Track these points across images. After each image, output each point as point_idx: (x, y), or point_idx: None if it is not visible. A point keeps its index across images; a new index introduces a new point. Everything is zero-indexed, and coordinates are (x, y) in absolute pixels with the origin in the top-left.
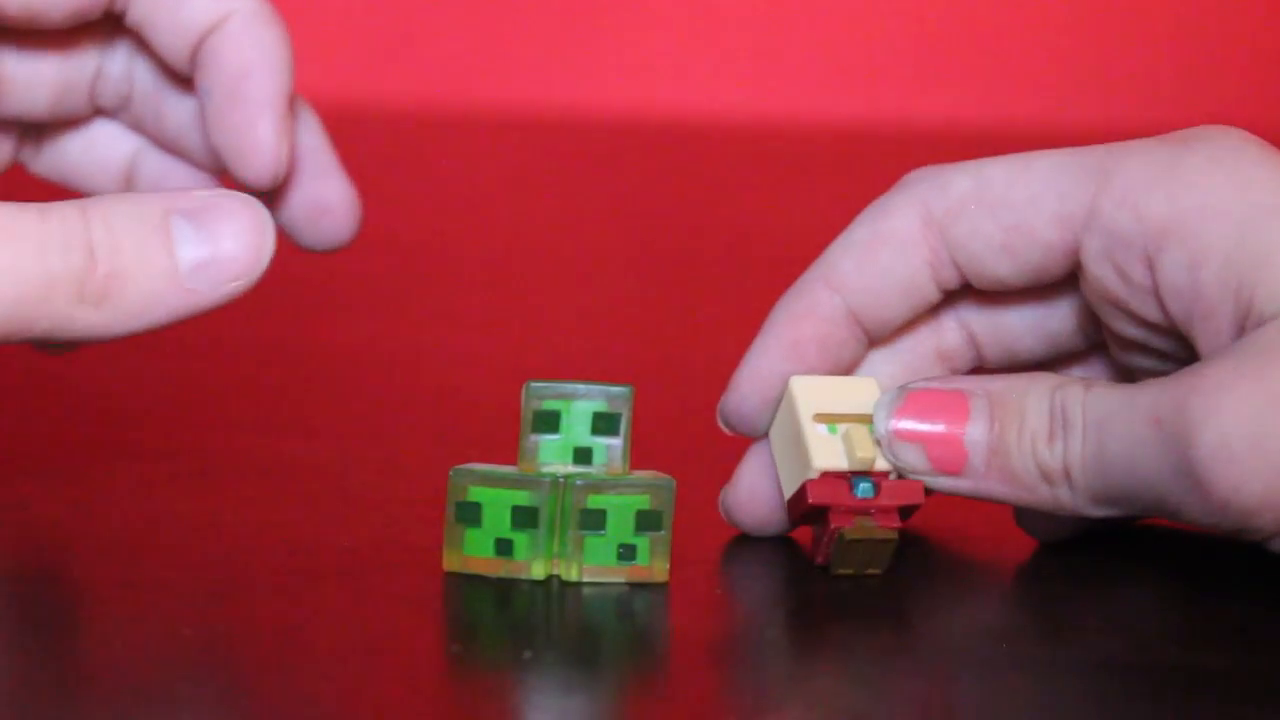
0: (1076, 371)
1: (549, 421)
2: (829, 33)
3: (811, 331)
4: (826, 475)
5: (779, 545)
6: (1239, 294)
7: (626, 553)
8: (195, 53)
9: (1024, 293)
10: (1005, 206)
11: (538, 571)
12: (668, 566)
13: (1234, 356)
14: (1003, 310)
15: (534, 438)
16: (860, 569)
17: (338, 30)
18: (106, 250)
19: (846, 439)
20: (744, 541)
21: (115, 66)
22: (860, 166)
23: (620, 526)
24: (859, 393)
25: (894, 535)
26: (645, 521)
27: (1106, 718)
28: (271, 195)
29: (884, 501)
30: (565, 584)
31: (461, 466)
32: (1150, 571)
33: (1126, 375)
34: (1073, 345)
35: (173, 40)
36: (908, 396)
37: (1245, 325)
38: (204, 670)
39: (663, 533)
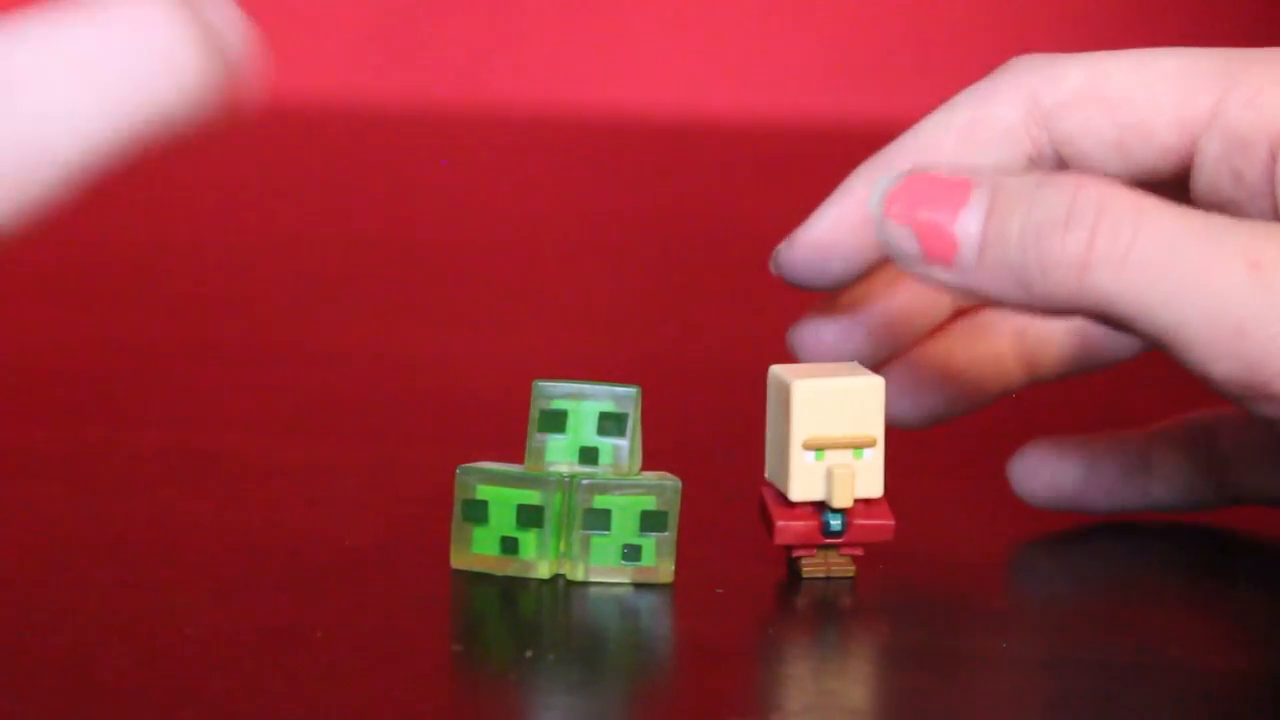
0: None
1: (556, 421)
2: (828, 33)
3: None
4: (799, 506)
5: (783, 547)
6: None
7: (631, 553)
8: None
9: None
10: (1125, 104)
11: (543, 571)
12: (673, 567)
13: None
14: None
15: (541, 437)
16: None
17: (338, 30)
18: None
19: (829, 479)
20: (749, 543)
21: None
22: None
23: (625, 527)
24: (861, 402)
25: (851, 571)
26: (650, 522)
27: (1107, 718)
28: None
29: (851, 539)
30: (571, 583)
31: (469, 465)
32: (1150, 571)
33: None
34: None
35: None
36: (906, 179)
37: None
38: (204, 670)
39: (668, 533)
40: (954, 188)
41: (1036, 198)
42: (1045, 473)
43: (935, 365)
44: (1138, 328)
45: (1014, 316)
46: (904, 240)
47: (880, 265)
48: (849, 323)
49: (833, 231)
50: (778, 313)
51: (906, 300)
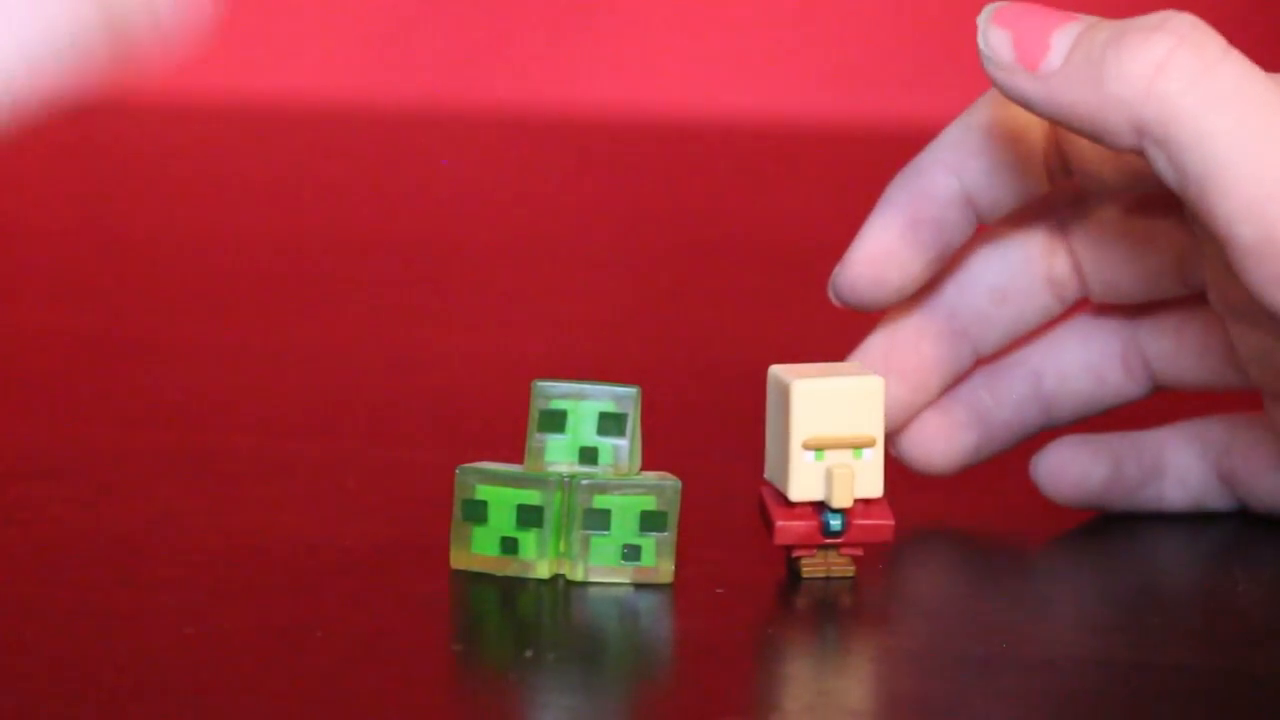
0: (1172, 318)
1: (556, 421)
2: (828, 32)
3: (929, 213)
4: (799, 506)
5: (782, 547)
6: None
7: (631, 553)
8: None
9: (1129, 228)
10: None
11: (543, 571)
12: (672, 567)
13: None
14: (1108, 245)
15: (540, 437)
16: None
17: (338, 30)
18: None
19: (829, 479)
20: (749, 543)
21: None
22: (860, 166)
23: (625, 527)
24: (861, 402)
25: (851, 572)
26: (650, 522)
27: (1107, 718)
28: None
29: (851, 539)
30: (570, 583)
31: (469, 465)
32: (1151, 571)
33: (1221, 329)
34: (1171, 289)
35: None
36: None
37: None
38: (204, 670)
39: (667, 533)
40: (1061, 14)
41: (1133, 18)
42: (1074, 471)
43: (963, 411)
44: (1183, 158)
45: (1030, 358)
46: (1000, 45)
47: (932, 270)
48: (883, 374)
49: (884, 242)
50: (778, 313)
51: (934, 349)
